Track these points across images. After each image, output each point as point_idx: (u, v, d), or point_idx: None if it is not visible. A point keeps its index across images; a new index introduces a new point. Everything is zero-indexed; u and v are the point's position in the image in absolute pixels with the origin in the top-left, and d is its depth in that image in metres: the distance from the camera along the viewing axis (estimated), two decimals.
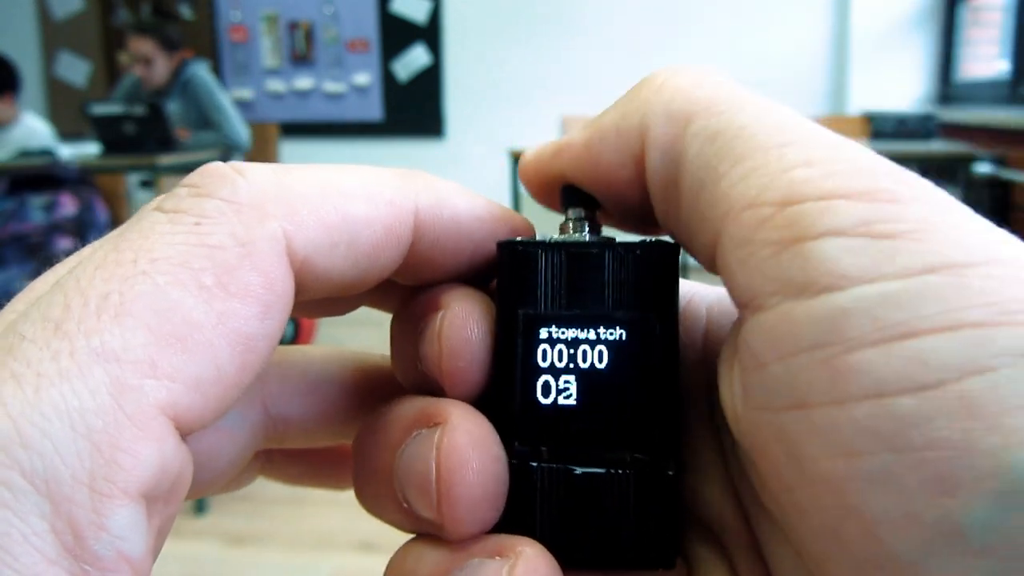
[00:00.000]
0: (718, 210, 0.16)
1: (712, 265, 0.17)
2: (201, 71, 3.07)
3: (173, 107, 2.87)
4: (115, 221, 2.40)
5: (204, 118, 3.03)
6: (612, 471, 0.18)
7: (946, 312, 0.13)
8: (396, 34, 4.54)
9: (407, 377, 0.20)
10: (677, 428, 0.19)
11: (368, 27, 4.57)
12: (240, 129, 3.05)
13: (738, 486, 0.19)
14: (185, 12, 4.67)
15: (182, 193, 0.17)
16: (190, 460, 0.15)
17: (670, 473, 0.18)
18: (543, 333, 0.18)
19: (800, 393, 0.14)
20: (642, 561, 0.18)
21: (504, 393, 0.19)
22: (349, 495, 0.21)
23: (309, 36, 4.62)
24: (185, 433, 0.15)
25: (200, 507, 1.96)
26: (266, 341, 0.16)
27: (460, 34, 4.48)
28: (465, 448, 0.17)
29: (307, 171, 0.18)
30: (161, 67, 3.02)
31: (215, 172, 0.17)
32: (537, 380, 0.18)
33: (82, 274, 0.15)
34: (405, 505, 0.18)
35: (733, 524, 0.19)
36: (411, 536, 0.19)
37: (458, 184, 0.20)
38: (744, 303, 0.16)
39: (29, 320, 0.14)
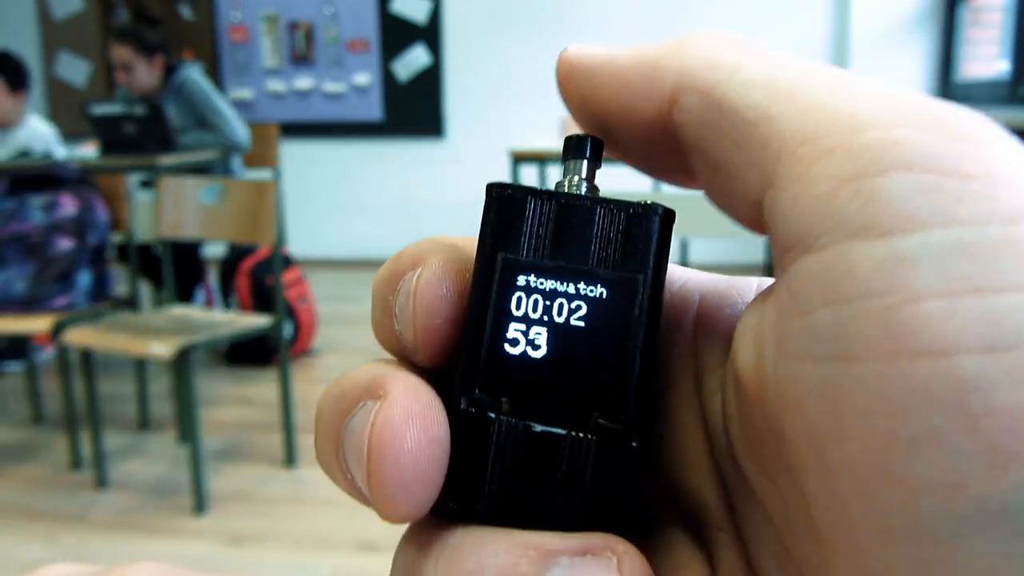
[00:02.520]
0: (770, 150, 0.15)
1: (755, 217, 0.16)
2: (194, 74, 3.03)
3: (169, 111, 2.85)
4: (115, 221, 2.39)
5: (201, 121, 3.01)
6: (572, 433, 0.17)
7: None
8: (396, 34, 4.54)
9: (383, 337, 0.19)
10: (649, 399, 0.18)
11: (368, 27, 4.57)
12: (239, 129, 3.03)
13: (723, 471, 0.18)
14: (185, 12, 4.67)
15: None
16: None
17: (634, 444, 0.17)
18: (520, 280, 0.18)
19: (848, 344, 0.13)
20: (589, 529, 0.17)
21: (471, 337, 0.18)
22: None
23: (309, 36, 4.62)
24: None
25: (200, 507, 1.96)
26: None
27: (460, 34, 4.48)
28: (399, 427, 0.16)
29: None
30: (143, 73, 2.95)
31: None
32: (507, 328, 0.18)
33: None
34: (349, 476, 0.17)
35: (717, 512, 0.18)
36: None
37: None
38: (791, 245, 0.14)
39: None
